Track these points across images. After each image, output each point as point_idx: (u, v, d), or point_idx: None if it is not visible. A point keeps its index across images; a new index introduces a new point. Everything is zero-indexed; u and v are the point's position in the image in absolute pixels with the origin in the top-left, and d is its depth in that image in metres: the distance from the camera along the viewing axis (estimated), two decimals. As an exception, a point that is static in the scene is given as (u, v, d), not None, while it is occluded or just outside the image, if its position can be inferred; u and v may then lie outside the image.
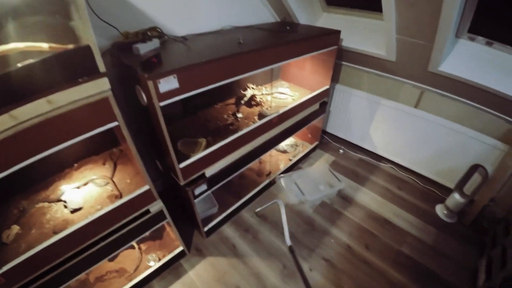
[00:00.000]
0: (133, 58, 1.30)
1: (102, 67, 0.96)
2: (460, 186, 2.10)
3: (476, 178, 2.05)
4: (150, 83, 1.11)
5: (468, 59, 1.89)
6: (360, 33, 2.33)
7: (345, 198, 2.37)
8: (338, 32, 2.12)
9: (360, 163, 2.79)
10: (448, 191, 2.31)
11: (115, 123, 1.08)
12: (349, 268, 1.83)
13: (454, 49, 1.92)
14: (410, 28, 1.84)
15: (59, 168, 1.51)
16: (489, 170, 1.90)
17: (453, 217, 2.18)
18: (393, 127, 2.54)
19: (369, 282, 1.76)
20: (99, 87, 0.97)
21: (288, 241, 1.54)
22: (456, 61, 1.92)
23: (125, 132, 1.14)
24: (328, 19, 2.56)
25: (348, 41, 2.38)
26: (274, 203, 2.01)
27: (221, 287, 1.71)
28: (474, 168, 2.00)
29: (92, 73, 0.94)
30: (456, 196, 2.09)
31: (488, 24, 1.80)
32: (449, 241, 2.02)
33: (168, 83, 1.17)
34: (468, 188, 2.11)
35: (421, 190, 2.47)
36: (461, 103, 2.09)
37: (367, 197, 2.39)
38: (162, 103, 1.21)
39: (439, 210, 2.25)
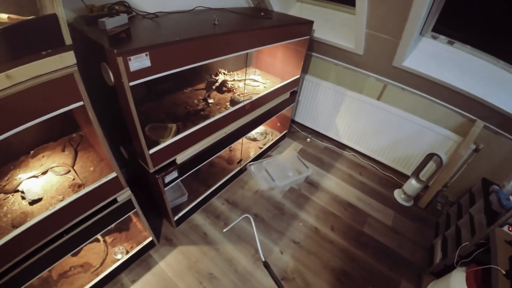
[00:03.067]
0: (99, 33, 1.18)
1: (68, 40, 0.85)
2: (416, 173, 2.29)
3: (431, 165, 2.25)
4: (119, 60, 1.02)
5: (430, 56, 2.03)
6: (331, 25, 2.38)
7: (312, 184, 2.46)
8: (311, 23, 2.14)
9: (326, 151, 2.90)
10: (404, 177, 2.51)
11: (80, 103, 0.98)
12: (316, 248, 1.92)
13: (418, 46, 2.05)
14: (380, 23, 1.92)
15: (13, 155, 1.34)
16: (443, 158, 2.08)
17: (409, 201, 2.37)
18: (357, 118, 2.66)
19: (334, 260, 1.86)
20: (64, 62, 0.86)
21: (262, 257, 1.70)
22: (419, 57, 2.05)
23: (91, 113, 1.05)
24: (301, 9, 2.57)
25: (319, 32, 2.42)
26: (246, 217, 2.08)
27: (193, 275, 1.68)
28: (430, 156, 2.18)
29: (57, 46, 0.83)
30: (413, 181, 2.28)
31: (452, 24, 1.93)
32: (406, 222, 2.20)
33: (140, 61, 1.09)
34: (424, 174, 2.30)
35: (381, 176, 2.65)
36: (420, 96, 2.25)
37: (332, 183, 2.50)
38: (132, 83, 1.12)
39: (397, 194, 2.44)
